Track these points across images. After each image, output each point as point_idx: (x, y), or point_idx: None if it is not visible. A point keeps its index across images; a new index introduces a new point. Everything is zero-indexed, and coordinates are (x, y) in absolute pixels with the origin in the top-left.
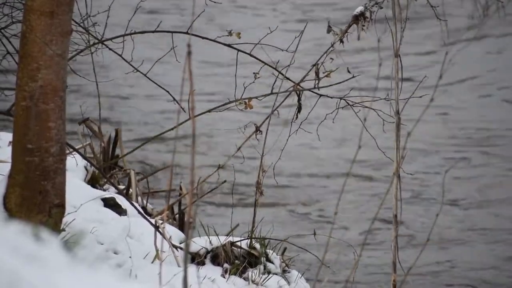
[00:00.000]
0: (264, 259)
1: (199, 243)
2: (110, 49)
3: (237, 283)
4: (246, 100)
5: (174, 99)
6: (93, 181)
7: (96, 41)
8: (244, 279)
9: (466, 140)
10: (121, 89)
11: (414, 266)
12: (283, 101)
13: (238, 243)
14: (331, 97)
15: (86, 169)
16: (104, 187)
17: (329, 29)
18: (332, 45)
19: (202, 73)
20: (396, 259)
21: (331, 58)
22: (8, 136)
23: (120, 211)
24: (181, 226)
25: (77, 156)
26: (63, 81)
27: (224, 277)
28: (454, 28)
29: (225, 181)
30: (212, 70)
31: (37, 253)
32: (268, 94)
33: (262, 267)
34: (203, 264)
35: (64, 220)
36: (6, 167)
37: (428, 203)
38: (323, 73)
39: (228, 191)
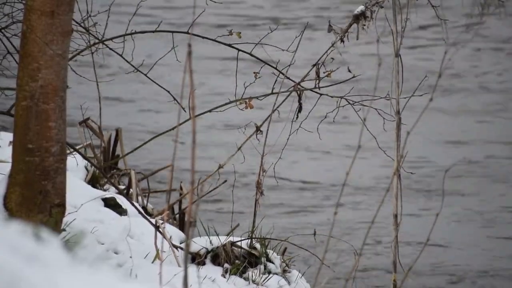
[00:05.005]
0: (265, 259)
1: (199, 243)
2: (110, 49)
3: (238, 283)
4: (247, 100)
5: (175, 99)
6: (93, 181)
7: (97, 41)
8: (245, 279)
9: None
10: None
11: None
12: (283, 101)
13: (239, 243)
14: (332, 96)
15: (87, 169)
16: (105, 187)
17: (330, 29)
18: (332, 45)
19: None
20: (397, 259)
21: (331, 58)
22: (8, 136)
23: (121, 211)
24: (181, 226)
25: (78, 156)
26: (63, 81)
27: (224, 277)
28: (454, 27)
29: (225, 181)
30: None
31: (38, 253)
32: (269, 94)
33: (262, 267)
34: (204, 264)
35: (65, 220)
36: (6, 167)
37: None
38: (324, 72)
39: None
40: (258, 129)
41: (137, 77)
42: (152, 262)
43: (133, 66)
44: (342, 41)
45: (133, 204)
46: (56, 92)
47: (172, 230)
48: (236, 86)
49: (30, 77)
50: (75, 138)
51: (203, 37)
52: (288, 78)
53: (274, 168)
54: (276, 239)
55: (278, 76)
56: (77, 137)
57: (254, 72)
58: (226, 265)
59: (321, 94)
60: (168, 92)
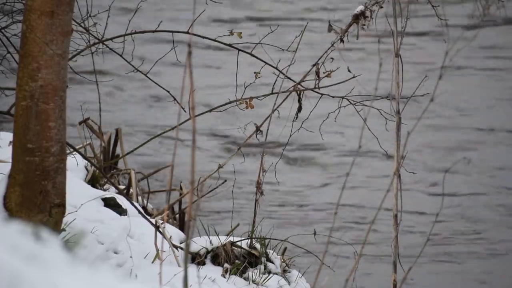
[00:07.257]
0: (265, 259)
1: (199, 243)
2: (110, 49)
3: (238, 283)
4: (247, 100)
5: (175, 99)
6: (93, 181)
7: (97, 41)
8: (245, 279)
9: None
10: None
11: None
12: (283, 101)
13: (239, 243)
14: (333, 97)
15: (87, 169)
16: (105, 187)
17: (330, 28)
18: (332, 45)
19: None
20: (397, 259)
21: (331, 58)
22: (8, 136)
23: (121, 211)
24: (181, 226)
25: (78, 155)
26: (63, 81)
27: (224, 277)
28: (454, 28)
29: (225, 181)
30: None
31: (38, 253)
32: (269, 94)
33: (262, 267)
34: (204, 264)
35: (65, 220)
36: (6, 167)
37: None
38: (324, 72)
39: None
40: (258, 129)
41: (138, 77)
42: (152, 262)
43: (133, 66)
44: (341, 41)
45: (133, 204)
46: (56, 92)
47: (172, 230)
48: (237, 86)
49: (30, 77)
50: (75, 138)
51: (203, 37)
52: (289, 78)
53: (275, 168)
54: (276, 239)
55: (278, 76)
56: (77, 137)
57: (255, 72)
58: (226, 265)
59: (322, 94)
60: (168, 92)
